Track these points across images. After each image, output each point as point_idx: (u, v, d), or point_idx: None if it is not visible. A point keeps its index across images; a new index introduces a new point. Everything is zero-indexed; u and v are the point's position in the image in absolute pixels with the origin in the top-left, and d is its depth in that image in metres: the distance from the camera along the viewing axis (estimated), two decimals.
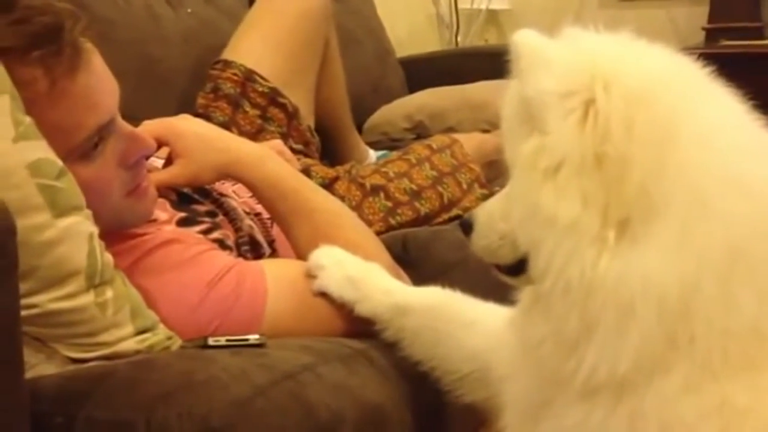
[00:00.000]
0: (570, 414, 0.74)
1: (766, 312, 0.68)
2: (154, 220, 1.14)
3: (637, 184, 0.68)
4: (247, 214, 1.28)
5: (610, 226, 0.69)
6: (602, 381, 0.71)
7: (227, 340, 0.96)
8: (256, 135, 1.74)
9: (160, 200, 1.17)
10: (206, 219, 1.19)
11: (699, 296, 0.68)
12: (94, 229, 0.93)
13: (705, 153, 0.69)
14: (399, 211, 1.65)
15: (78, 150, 0.97)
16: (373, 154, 2.07)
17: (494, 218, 0.82)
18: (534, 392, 0.80)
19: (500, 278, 0.86)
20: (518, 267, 0.80)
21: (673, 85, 0.72)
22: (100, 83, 0.99)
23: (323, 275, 1.07)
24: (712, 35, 2.78)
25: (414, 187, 1.68)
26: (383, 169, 1.71)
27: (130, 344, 0.94)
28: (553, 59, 0.71)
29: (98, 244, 0.93)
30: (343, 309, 1.08)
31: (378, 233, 1.47)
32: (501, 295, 1.43)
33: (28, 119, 0.89)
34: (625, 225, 0.69)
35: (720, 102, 0.73)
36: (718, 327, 0.68)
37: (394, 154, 1.82)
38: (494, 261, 0.84)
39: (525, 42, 0.73)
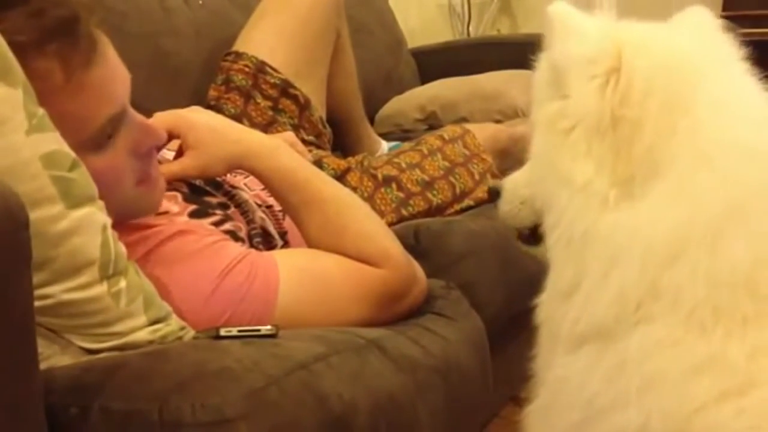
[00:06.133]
0: (557, 367, 0.77)
1: (760, 269, 0.69)
2: (166, 213, 1.14)
3: (646, 144, 0.73)
4: (259, 206, 1.28)
5: (615, 185, 0.74)
6: (584, 332, 0.74)
7: (239, 331, 0.96)
8: (267, 127, 1.74)
9: (172, 193, 1.18)
10: (218, 211, 1.19)
11: (688, 246, 0.70)
12: (107, 220, 0.93)
13: (713, 120, 0.74)
14: (411, 201, 1.65)
15: (90, 141, 0.97)
16: (385, 145, 2.07)
17: (518, 185, 0.91)
18: (543, 357, 0.83)
19: (522, 249, 0.94)
20: (536, 236, 0.87)
21: (693, 58, 0.77)
22: (113, 74, 0.99)
23: None
24: (726, 24, 2.77)
25: (426, 177, 1.67)
26: (395, 160, 1.70)
27: (143, 335, 0.94)
28: (584, 29, 0.77)
29: (111, 234, 0.93)
30: (355, 298, 1.08)
31: (390, 224, 1.47)
32: (511, 285, 1.44)
33: (41, 111, 0.89)
34: (628, 184, 0.74)
35: (735, 77, 0.78)
36: (705, 278, 0.69)
37: (406, 145, 1.81)
38: (515, 225, 0.93)
39: (559, 12, 0.79)
